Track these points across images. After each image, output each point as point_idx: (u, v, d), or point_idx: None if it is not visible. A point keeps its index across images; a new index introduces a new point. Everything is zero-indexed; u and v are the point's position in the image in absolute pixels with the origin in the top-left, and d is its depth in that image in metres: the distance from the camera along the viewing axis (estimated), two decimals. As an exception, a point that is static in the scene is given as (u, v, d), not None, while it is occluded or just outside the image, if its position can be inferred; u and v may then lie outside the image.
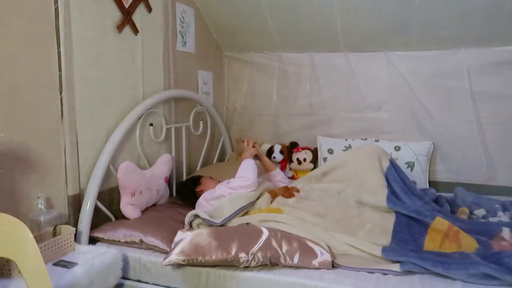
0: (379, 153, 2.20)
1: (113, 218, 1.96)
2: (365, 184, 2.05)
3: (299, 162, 2.77)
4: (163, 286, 1.66)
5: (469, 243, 1.60)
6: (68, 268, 1.47)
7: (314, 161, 2.80)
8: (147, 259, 1.69)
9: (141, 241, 1.73)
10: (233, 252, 1.53)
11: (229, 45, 3.02)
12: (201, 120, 2.73)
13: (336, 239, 1.67)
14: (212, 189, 2.09)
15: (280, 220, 1.77)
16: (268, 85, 2.98)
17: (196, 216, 1.81)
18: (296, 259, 1.54)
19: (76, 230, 1.70)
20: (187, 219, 1.83)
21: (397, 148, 2.59)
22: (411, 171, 2.55)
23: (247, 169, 2.07)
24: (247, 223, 1.79)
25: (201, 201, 2.05)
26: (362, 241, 1.64)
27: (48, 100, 1.66)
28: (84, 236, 1.75)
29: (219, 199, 1.98)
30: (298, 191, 2.10)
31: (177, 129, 2.46)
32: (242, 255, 1.53)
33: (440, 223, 1.72)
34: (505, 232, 1.66)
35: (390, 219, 1.82)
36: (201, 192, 2.13)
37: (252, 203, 1.97)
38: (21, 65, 1.55)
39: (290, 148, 2.86)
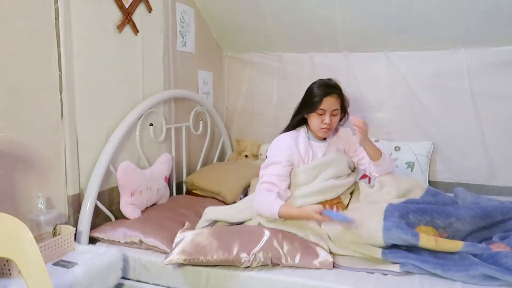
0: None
1: (113, 218, 1.96)
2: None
3: (299, 162, 2.77)
4: (163, 286, 1.66)
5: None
6: (68, 268, 1.47)
7: (314, 161, 2.79)
8: (147, 259, 1.69)
9: (141, 242, 1.73)
10: (234, 252, 1.53)
11: (229, 45, 3.02)
12: (201, 120, 2.73)
13: (336, 243, 1.68)
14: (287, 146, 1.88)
15: (288, 222, 1.77)
16: (268, 85, 2.98)
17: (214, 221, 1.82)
18: (297, 259, 1.54)
19: (76, 230, 1.70)
20: (200, 224, 1.83)
21: (397, 148, 2.59)
22: (411, 171, 2.55)
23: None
24: (259, 223, 1.80)
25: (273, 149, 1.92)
26: (363, 245, 1.63)
27: (48, 100, 1.66)
28: (84, 236, 1.75)
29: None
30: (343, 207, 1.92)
31: (177, 129, 2.46)
32: (244, 255, 1.53)
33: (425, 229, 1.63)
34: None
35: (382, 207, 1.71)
36: (308, 119, 1.93)
37: None
38: (21, 65, 1.55)
39: (290, 148, 2.85)
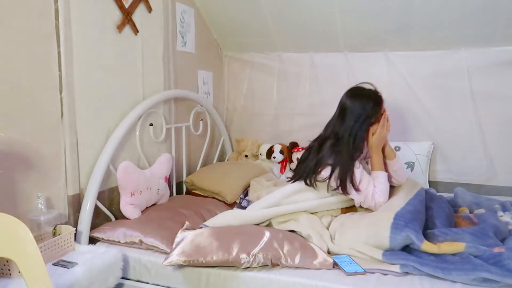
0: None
1: (113, 218, 1.96)
2: None
3: (299, 162, 2.77)
4: (163, 286, 1.65)
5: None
6: (68, 268, 1.47)
7: (314, 161, 2.79)
8: (147, 259, 1.69)
9: (141, 242, 1.73)
10: (234, 253, 1.53)
11: (229, 45, 3.02)
12: (201, 120, 2.73)
13: (337, 245, 1.68)
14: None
15: (298, 220, 1.79)
16: (268, 85, 2.98)
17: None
18: (297, 259, 1.54)
19: (76, 230, 1.70)
20: (211, 222, 1.83)
21: (397, 148, 2.59)
22: (411, 171, 2.55)
23: (383, 185, 1.82)
24: (267, 225, 1.81)
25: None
26: (364, 245, 1.63)
27: (48, 100, 1.66)
28: (84, 236, 1.75)
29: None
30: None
31: (177, 129, 2.46)
32: (243, 256, 1.53)
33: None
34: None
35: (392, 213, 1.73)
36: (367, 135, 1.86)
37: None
38: (21, 65, 1.55)
39: (290, 148, 2.85)
